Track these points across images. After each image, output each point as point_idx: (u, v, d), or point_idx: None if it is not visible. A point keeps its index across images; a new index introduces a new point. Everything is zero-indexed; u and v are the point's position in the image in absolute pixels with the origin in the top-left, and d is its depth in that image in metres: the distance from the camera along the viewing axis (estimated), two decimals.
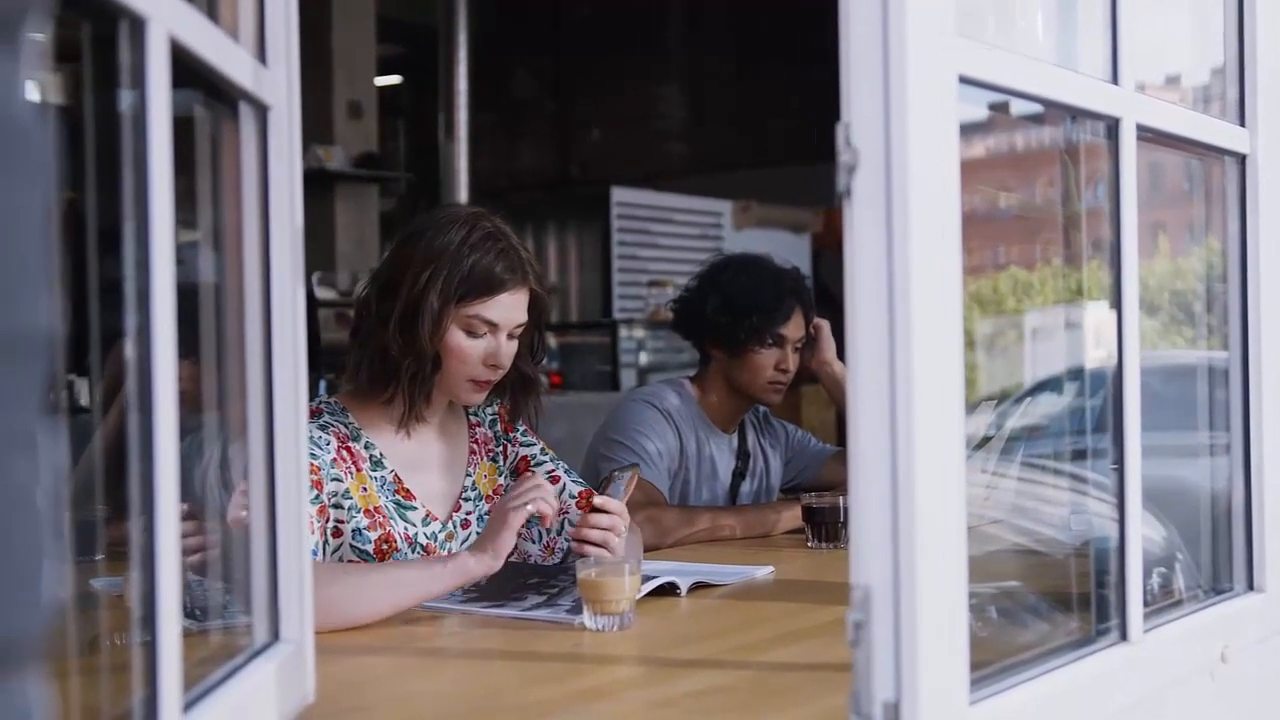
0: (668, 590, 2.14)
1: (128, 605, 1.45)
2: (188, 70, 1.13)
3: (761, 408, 3.22)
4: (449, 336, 2.20)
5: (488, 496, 2.38)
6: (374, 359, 2.22)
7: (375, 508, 2.20)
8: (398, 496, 2.24)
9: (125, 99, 1.04)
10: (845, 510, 2.68)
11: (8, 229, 0.58)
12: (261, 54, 1.38)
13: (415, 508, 2.25)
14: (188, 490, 1.11)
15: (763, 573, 2.37)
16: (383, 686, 1.66)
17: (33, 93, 0.61)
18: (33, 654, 0.60)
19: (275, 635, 1.40)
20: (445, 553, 2.25)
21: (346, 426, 2.24)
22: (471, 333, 2.21)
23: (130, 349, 1.03)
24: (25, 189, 0.58)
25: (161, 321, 1.03)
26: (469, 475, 2.37)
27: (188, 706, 1.11)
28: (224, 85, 1.27)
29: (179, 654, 1.05)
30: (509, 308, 2.23)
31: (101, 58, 1.05)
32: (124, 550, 1.19)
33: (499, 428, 2.44)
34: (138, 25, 1.01)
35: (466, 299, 2.20)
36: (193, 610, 1.41)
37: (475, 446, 2.40)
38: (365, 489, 2.20)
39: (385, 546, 2.19)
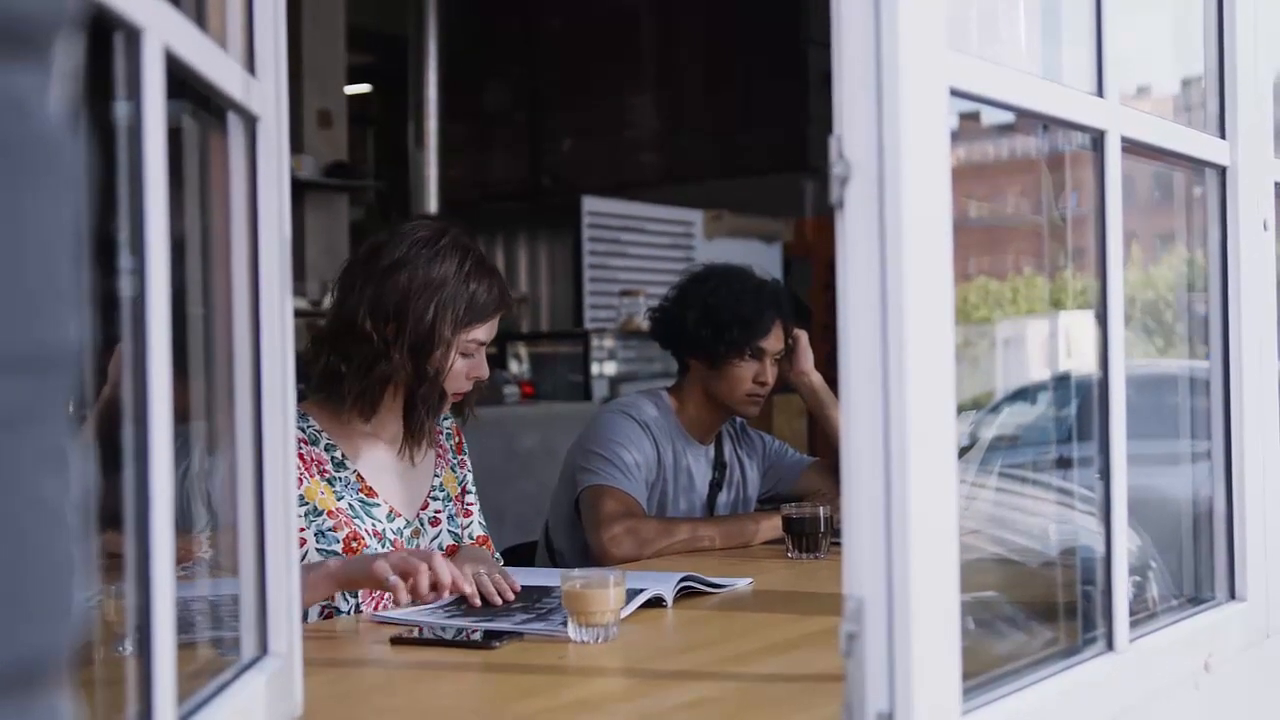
0: (653, 602, 2.13)
1: (107, 619, 1.44)
2: (179, 80, 1.13)
3: (739, 418, 3.23)
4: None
5: (455, 498, 2.48)
6: (378, 385, 2.29)
7: (337, 508, 2.26)
8: (361, 495, 2.31)
9: (119, 109, 1.03)
10: (825, 520, 2.68)
11: (40, 244, 0.57)
12: (250, 65, 1.37)
13: (379, 504, 2.32)
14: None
15: (743, 584, 2.37)
16: (370, 700, 1.65)
17: (63, 106, 0.61)
18: (64, 670, 0.60)
19: (264, 649, 1.39)
20: (415, 549, 2.34)
21: (304, 430, 2.26)
22: (465, 354, 2.33)
23: (125, 358, 1.03)
24: (57, 204, 0.58)
25: (157, 332, 1.02)
26: (437, 475, 2.46)
27: None
28: (214, 95, 1.27)
29: (173, 669, 1.04)
30: (495, 326, 2.38)
31: (94, 67, 1.04)
32: (106, 563, 1.18)
33: (453, 443, 2.54)
34: (133, 36, 1.00)
35: (470, 326, 2.31)
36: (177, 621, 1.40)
37: (440, 450, 2.49)
38: (324, 492, 2.27)
39: (355, 544, 2.26)
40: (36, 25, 0.58)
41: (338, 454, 2.31)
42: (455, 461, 2.52)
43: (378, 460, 2.36)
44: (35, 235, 0.57)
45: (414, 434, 2.35)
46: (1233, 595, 1.87)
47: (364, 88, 10.48)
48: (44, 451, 0.58)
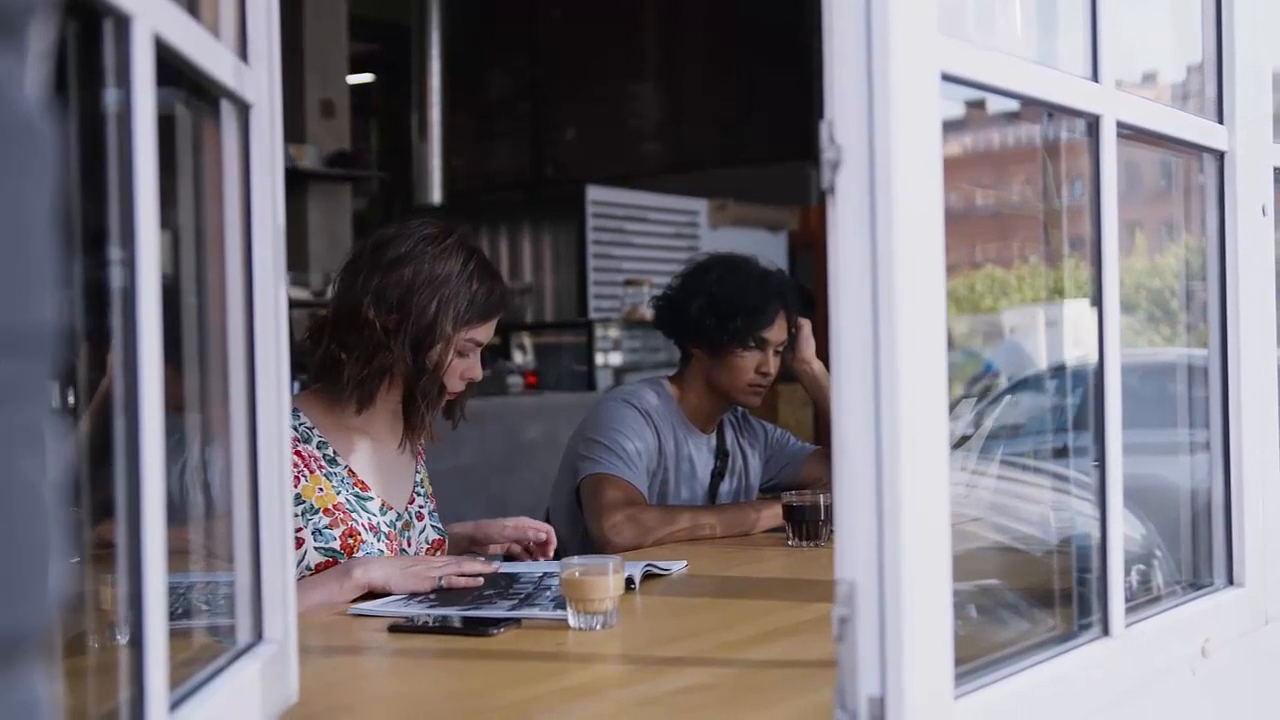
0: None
1: (103, 607, 1.45)
2: (170, 68, 1.13)
3: (740, 407, 3.22)
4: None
5: (430, 496, 2.52)
6: (376, 375, 2.31)
7: (335, 505, 2.29)
8: (355, 489, 2.34)
9: (109, 97, 1.03)
10: (826, 508, 2.69)
11: (17, 225, 0.58)
12: (243, 52, 1.37)
13: (372, 498, 2.35)
14: (167, 491, 1.10)
15: (678, 567, 2.40)
16: (366, 687, 1.65)
17: (38, 89, 0.61)
18: (39, 648, 0.61)
19: (259, 635, 1.39)
20: (405, 541, 2.39)
21: (296, 429, 2.27)
22: (461, 353, 2.35)
23: (114, 350, 1.03)
24: (33, 186, 0.59)
25: (147, 322, 1.03)
26: (418, 473, 2.50)
27: (173, 706, 1.11)
28: (206, 83, 1.27)
29: (165, 654, 1.04)
30: (492, 328, 2.41)
31: (84, 55, 1.04)
32: (103, 552, 1.18)
33: (422, 443, 2.56)
34: (122, 23, 1.01)
35: (469, 324, 2.33)
36: (171, 610, 1.40)
37: (420, 450, 2.53)
38: (321, 489, 2.29)
39: (351, 540, 2.28)
40: (9, 8, 0.58)
41: (329, 450, 2.33)
42: (424, 462, 2.57)
43: (366, 455, 2.39)
44: (9, 218, 0.58)
45: (413, 426, 2.37)
46: (1231, 581, 1.87)
47: (367, 77, 10.48)
48: (20, 430, 0.59)
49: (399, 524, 2.39)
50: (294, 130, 7.54)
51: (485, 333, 2.38)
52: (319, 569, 2.22)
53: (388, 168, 9.21)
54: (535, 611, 1.96)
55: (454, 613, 1.98)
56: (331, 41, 7.91)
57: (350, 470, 2.34)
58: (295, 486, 2.23)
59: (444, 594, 2.11)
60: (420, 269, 2.29)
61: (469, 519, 2.70)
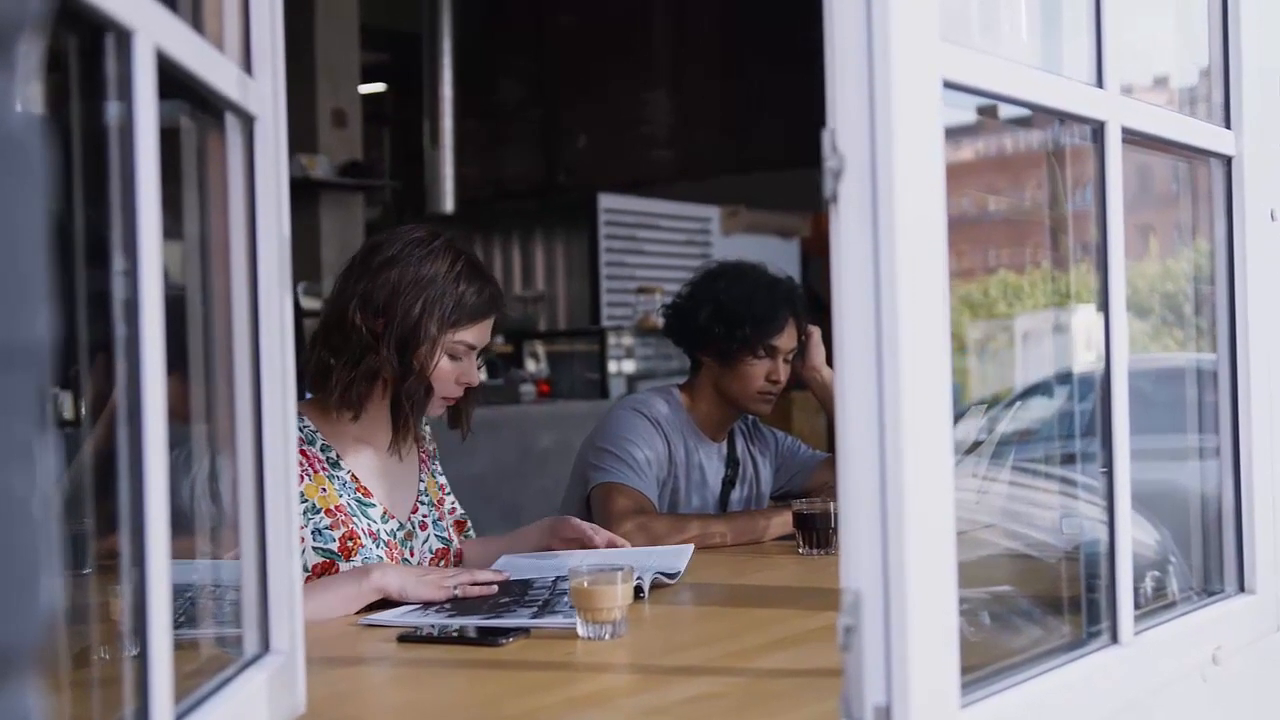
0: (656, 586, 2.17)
1: (114, 618, 1.45)
2: (173, 81, 1.13)
3: (751, 415, 3.22)
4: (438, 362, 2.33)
5: (437, 503, 2.51)
6: (364, 379, 2.31)
7: (336, 506, 2.30)
8: (358, 494, 2.34)
9: (111, 110, 1.03)
10: (836, 516, 2.67)
11: (9, 240, 0.58)
12: (247, 64, 1.38)
13: (374, 505, 2.36)
14: (176, 504, 1.11)
15: (683, 560, 2.41)
16: (374, 697, 1.65)
17: (29, 105, 0.61)
18: (31, 663, 0.61)
19: (266, 646, 1.39)
20: (407, 551, 2.39)
21: (301, 431, 2.28)
22: (453, 356, 2.35)
23: (119, 361, 1.03)
24: (24, 201, 0.59)
25: (150, 333, 1.03)
26: (421, 481, 2.50)
27: (179, 718, 1.11)
28: (210, 96, 1.27)
29: (170, 666, 1.04)
30: (486, 331, 2.39)
31: (87, 68, 1.05)
32: (112, 564, 1.19)
33: (432, 448, 2.57)
34: (124, 37, 1.01)
35: (456, 326, 2.32)
36: (178, 620, 1.40)
37: (424, 457, 2.53)
38: (324, 490, 2.30)
39: (350, 544, 2.28)
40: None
41: (333, 454, 2.34)
42: (434, 468, 2.56)
43: (369, 463, 2.39)
44: (3, 232, 0.58)
45: (399, 429, 2.36)
46: (1242, 588, 1.86)
47: (378, 86, 10.49)
48: (12, 445, 0.59)
49: (400, 533, 2.39)
50: (306, 140, 7.54)
51: (476, 335, 2.36)
52: (317, 570, 2.23)
53: (400, 176, 9.21)
54: (558, 619, 1.96)
55: (472, 622, 1.98)
56: (342, 51, 7.91)
57: (353, 475, 2.34)
58: (298, 485, 2.22)
59: (460, 603, 2.11)
60: (406, 271, 2.30)
61: (482, 527, 2.70)
